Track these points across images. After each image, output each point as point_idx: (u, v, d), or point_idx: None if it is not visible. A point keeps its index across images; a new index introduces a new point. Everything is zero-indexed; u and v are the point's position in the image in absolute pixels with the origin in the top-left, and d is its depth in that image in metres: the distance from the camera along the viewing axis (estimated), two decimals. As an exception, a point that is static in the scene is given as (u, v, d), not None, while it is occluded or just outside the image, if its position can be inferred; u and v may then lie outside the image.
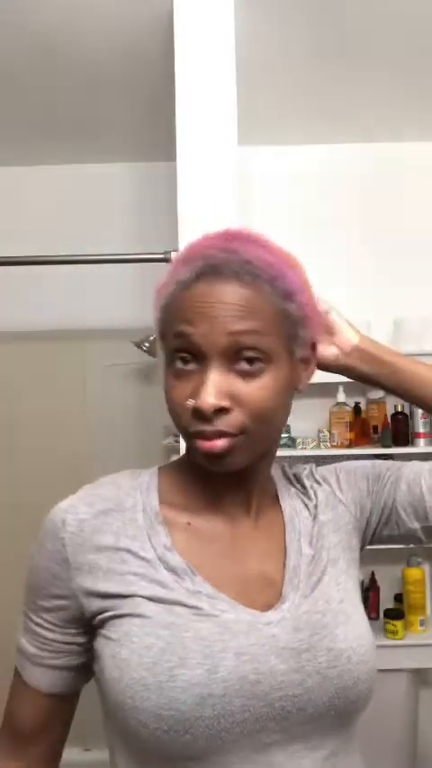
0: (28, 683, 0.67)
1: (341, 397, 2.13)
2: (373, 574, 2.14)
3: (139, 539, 0.65)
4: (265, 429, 0.64)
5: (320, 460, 0.82)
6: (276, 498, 0.74)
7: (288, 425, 2.00)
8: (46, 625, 0.65)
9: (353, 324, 0.77)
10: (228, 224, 1.56)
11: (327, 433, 2.12)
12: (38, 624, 0.66)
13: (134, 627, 0.61)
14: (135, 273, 2.26)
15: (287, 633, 0.62)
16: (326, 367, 0.75)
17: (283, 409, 0.66)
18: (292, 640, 0.62)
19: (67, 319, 2.33)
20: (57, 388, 2.34)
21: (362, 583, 2.06)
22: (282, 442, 1.91)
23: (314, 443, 2.12)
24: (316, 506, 0.74)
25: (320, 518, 0.73)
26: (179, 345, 0.62)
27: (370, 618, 2.07)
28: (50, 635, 0.65)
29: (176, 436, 1.96)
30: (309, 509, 0.74)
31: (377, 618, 2.08)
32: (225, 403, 0.60)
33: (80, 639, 0.65)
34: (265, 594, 0.65)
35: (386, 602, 2.13)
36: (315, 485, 0.76)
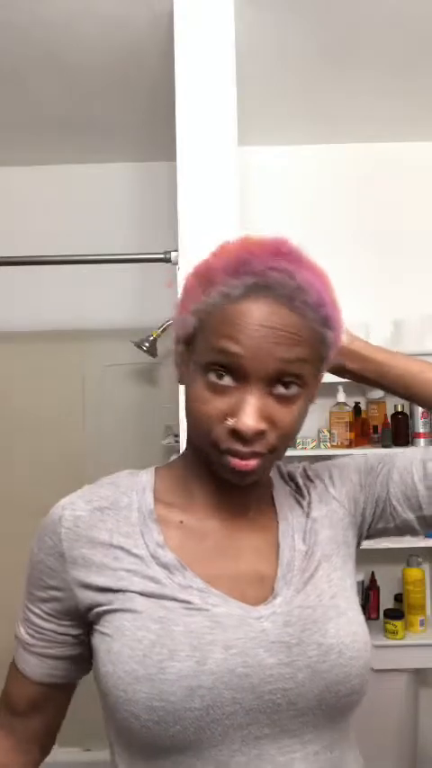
0: (20, 670, 0.70)
1: (341, 397, 2.13)
2: (373, 574, 2.14)
3: (132, 536, 0.66)
4: (288, 445, 0.66)
5: (321, 461, 0.82)
6: (271, 497, 0.74)
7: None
8: (42, 615, 0.68)
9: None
10: (227, 224, 1.56)
11: (327, 434, 2.12)
12: (34, 614, 0.68)
13: (126, 622, 0.62)
14: (135, 273, 2.27)
15: (278, 628, 0.63)
16: None
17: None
18: (283, 635, 0.62)
19: (67, 319, 2.33)
20: (56, 388, 2.34)
21: (362, 583, 2.06)
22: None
23: (314, 443, 2.12)
24: (309, 504, 0.74)
25: (314, 515, 0.73)
26: (220, 361, 0.61)
27: (370, 618, 2.10)
28: (45, 624, 0.68)
29: (176, 436, 1.96)
30: (302, 507, 0.74)
31: (377, 618, 2.08)
32: (264, 426, 0.61)
33: (73, 631, 0.68)
34: (258, 590, 0.66)
35: (386, 602, 2.13)
36: (308, 482, 0.77)
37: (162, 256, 1.67)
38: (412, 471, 0.74)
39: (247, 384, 0.61)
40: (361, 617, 0.69)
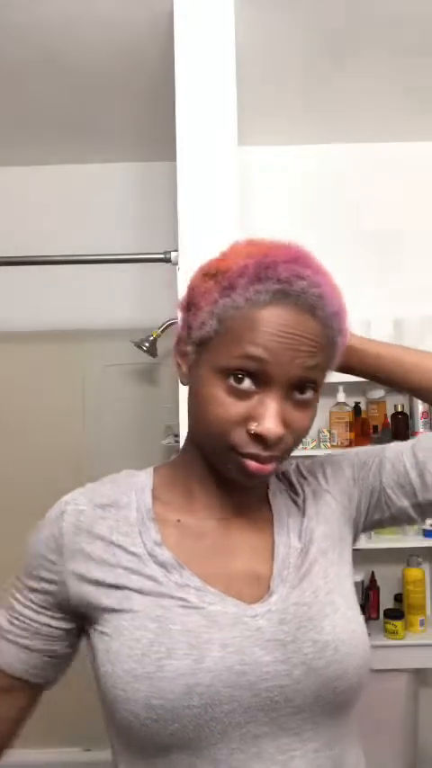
0: None
1: (341, 397, 2.13)
2: (373, 574, 2.14)
3: (130, 535, 0.67)
4: (297, 446, 0.67)
5: (320, 460, 0.82)
6: (266, 495, 0.75)
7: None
8: (28, 603, 0.68)
9: None
10: (227, 224, 1.56)
11: (327, 433, 2.12)
12: (20, 602, 0.69)
13: (124, 621, 0.63)
14: (135, 273, 2.27)
15: (273, 625, 0.63)
16: None
17: None
18: (278, 632, 0.63)
19: (67, 319, 2.33)
20: (56, 388, 2.34)
21: (362, 583, 2.06)
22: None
23: (314, 443, 2.12)
24: (304, 501, 0.75)
25: (309, 512, 0.74)
26: (245, 366, 0.61)
27: (370, 618, 2.09)
28: (29, 612, 0.68)
29: (176, 436, 1.96)
30: (297, 504, 0.75)
31: (377, 618, 2.08)
32: (284, 431, 0.62)
33: (55, 623, 0.68)
34: (255, 589, 0.66)
35: (386, 602, 2.12)
36: (302, 480, 0.77)
37: (162, 256, 1.67)
38: (404, 460, 0.75)
39: (268, 389, 0.62)
40: (358, 613, 0.69)
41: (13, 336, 2.32)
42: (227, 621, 0.62)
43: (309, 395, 0.64)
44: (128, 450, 2.28)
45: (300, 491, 0.76)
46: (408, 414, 2.14)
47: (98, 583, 0.65)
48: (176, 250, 1.56)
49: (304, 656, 0.62)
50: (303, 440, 0.66)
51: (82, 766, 2.08)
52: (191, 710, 0.59)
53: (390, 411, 2.17)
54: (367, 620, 2.04)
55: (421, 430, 2.11)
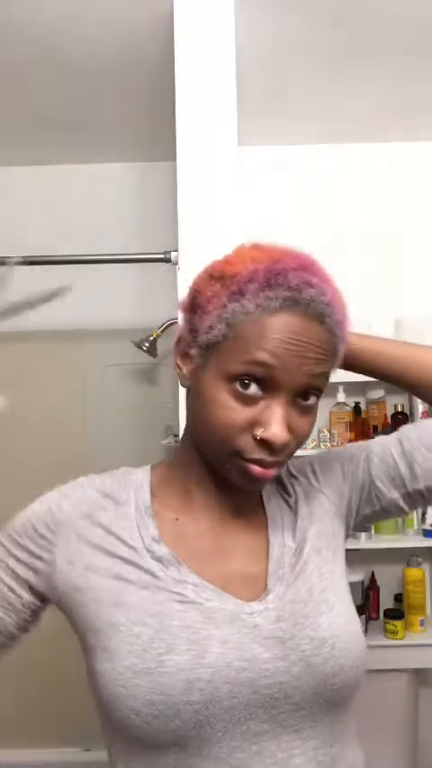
0: None
1: (341, 397, 2.13)
2: (373, 574, 2.14)
3: (128, 529, 0.67)
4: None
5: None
6: (260, 497, 0.75)
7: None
8: (2, 566, 0.68)
9: None
10: (227, 224, 1.56)
11: (327, 434, 2.12)
12: None
13: (121, 617, 0.62)
14: (135, 273, 2.27)
15: (270, 623, 0.63)
16: None
17: None
18: (275, 630, 0.63)
19: (67, 319, 2.32)
20: (56, 388, 2.34)
21: (362, 583, 2.06)
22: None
23: (314, 443, 2.12)
24: (296, 501, 0.75)
25: (301, 512, 0.74)
26: (251, 372, 0.61)
27: (370, 618, 2.09)
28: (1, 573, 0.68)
29: (176, 436, 1.96)
30: (289, 504, 0.75)
31: (377, 618, 2.08)
32: (290, 437, 0.62)
33: (23, 594, 0.67)
34: (250, 589, 0.67)
35: (386, 602, 2.12)
36: (292, 479, 0.78)
37: (162, 256, 1.67)
38: (391, 452, 0.76)
39: (275, 395, 0.62)
40: (352, 609, 0.69)
41: (14, 336, 2.32)
42: (224, 618, 0.63)
43: (312, 401, 0.64)
44: (128, 450, 2.27)
45: (291, 491, 0.76)
46: (408, 413, 2.14)
47: (89, 568, 0.65)
48: (176, 250, 1.56)
49: (302, 652, 0.62)
50: (302, 442, 0.66)
51: (82, 766, 2.08)
52: (191, 706, 0.59)
53: (390, 411, 2.17)
54: (367, 620, 2.04)
55: (421, 430, 2.10)
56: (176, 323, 1.61)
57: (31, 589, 0.68)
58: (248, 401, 0.62)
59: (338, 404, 2.13)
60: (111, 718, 0.62)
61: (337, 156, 2.33)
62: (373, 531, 2.06)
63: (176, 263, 1.58)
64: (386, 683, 1.92)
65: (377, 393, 2.15)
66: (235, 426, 0.62)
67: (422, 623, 2.04)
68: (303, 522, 0.73)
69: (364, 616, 1.99)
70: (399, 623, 1.99)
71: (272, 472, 0.64)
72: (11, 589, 0.68)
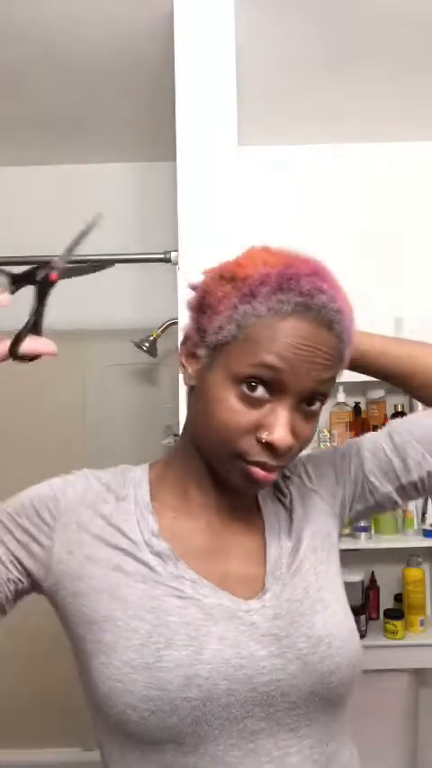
0: None
1: (341, 397, 2.13)
2: (373, 574, 2.14)
3: (129, 522, 0.68)
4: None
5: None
6: (256, 498, 0.75)
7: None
8: None
9: None
10: (227, 224, 1.56)
11: (327, 434, 2.12)
12: None
13: (118, 611, 0.62)
14: (135, 273, 2.27)
15: (267, 621, 0.64)
16: None
17: None
18: (272, 627, 0.63)
19: (67, 319, 2.32)
20: (57, 388, 2.34)
21: (362, 583, 2.06)
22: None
23: (314, 444, 2.12)
24: (291, 501, 0.76)
25: (297, 512, 0.75)
26: (259, 374, 0.61)
27: (370, 618, 2.09)
28: None
29: (176, 436, 1.96)
30: (284, 505, 0.76)
31: (377, 618, 2.08)
32: (294, 441, 0.62)
33: (11, 569, 0.65)
34: (247, 588, 0.67)
35: (386, 602, 2.12)
36: (286, 479, 0.78)
37: (162, 256, 1.67)
38: (383, 446, 0.77)
39: (281, 399, 0.62)
40: (347, 607, 0.70)
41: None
42: (222, 615, 0.63)
43: (316, 407, 0.65)
44: (128, 450, 2.27)
45: (286, 491, 0.77)
46: (408, 413, 2.14)
47: (89, 558, 0.65)
48: (176, 250, 1.56)
49: (299, 650, 0.63)
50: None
51: (82, 766, 2.08)
52: (189, 703, 0.59)
53: (390, 411, 2.17)
54: (367, 620, 2.04)
55: (421, 430, 2.10)
56: (176, 323, 1.61)
57: (22, 567, 0.66)
58: (254, 403, 0.62)
59: (338, 404, 2.13)
60: (106, 715, 0.62)
61: (337, 156, 2.33)
62: (373, 531, 2.06)
63: (176, 263, 1.58)
64: (386, 682, 1.92)
65: (377, 393, 2.15)
66: (239, 428, 0.62)
67: (422, 623, 2.04)
68: (299, 521, 0.74)
69: (364, 616, 1.99)
70: (399, 623, 1.99)
71: (273, 476, 0.64)
72: None
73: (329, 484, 0.78)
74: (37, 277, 0.63)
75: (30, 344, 0.63)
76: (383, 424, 2.16)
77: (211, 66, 1.56)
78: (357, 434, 2.11)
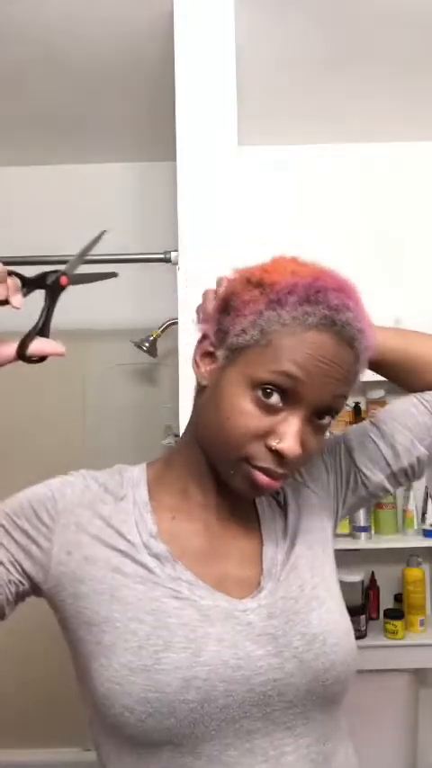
0: None
1: (341, 397, 2.13)
2: (373, 574, 2.14)
3: (127, 523, 0.68)
4: None
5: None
6: (253, 500, 0.75)
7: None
8: None
9: None
10: (227, 224, 1.55)
11: (327, 434, 2.12)
12: None
13: (116, 613, 0.62)
14: (135, 273, 2.27)
15: (262, 620, 0.64)
16: None
17: None
18: (268, 627, 0.64)
19: (68, 319, 2.32)
20: (57, 388, 2.34)
21: (362, 583, 2.06)
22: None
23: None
24: (285, 498, 0.76)
25: (291, 509, 0.75)
26: (277, 382, 0.62)
27: (370, 618, 2.09)
28: None
29: (176, 436, 1.95)
30: (278, 502, 0.76)
31: (377, 618, 2.08)
32: (303, 452, 0.63)
33: (11, 570, 0.65)
34: (243, 588, 0.67)
35: (386, 602, 2.12)
36: None
37: (162, 256, 1.67)
38: (370, 436, 0.78)
39: (295, 408, 0.62)
40: (342, 605, 0.70)
41: (14, 336, 2.32)
42: (219, 616, 0.63)
43: (326, 421, 0.65)
44: (128, 450, 2.27)
45: (279, 489, 0.76)
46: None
47: (88, 559, 0.65)
48: (176, 250, 1.56)
49: (294, 649, 0.63)
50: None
51: (82, 766, 2.08)
52: (187, 705, 0.59)
53: (390, 411, 2.17)
54: (367, 620, 2.03)
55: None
56: (176, 323, 1.61)
57: (22, 569, 0.66)
58: (268, 410, 0.62)
59: (338, 404, 2.13)
60: (104, 716, 0.62)
61: (337, 156, 2.33)
62: (373, 531, 2.06)
63: (176, 263, 1.58)
64: (386, 682, 1.92)
65: (377, 393, 2.15)
66: (250, 432, 0.62)
67: (422, 623, 2.04)
68: (293, 518, 0.74)
69: (364, 616, 1.99)
70: (399, 623, 1.99)
71: (276, 483, 0.64)
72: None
73: (322, 480, 0.78)
74: (48, 281, 0.62)
75: (37, 346, 0.65)
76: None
77: (211, 67, 1.56)
78: (357, 434, 2.13)
